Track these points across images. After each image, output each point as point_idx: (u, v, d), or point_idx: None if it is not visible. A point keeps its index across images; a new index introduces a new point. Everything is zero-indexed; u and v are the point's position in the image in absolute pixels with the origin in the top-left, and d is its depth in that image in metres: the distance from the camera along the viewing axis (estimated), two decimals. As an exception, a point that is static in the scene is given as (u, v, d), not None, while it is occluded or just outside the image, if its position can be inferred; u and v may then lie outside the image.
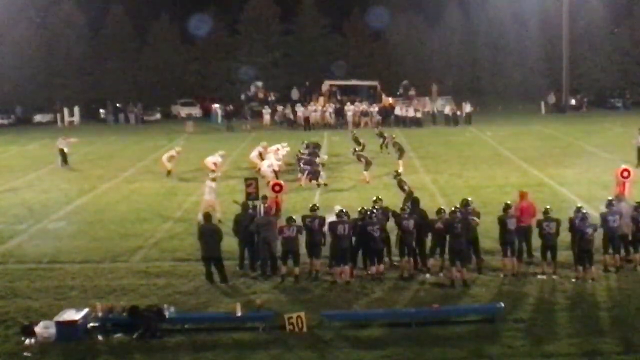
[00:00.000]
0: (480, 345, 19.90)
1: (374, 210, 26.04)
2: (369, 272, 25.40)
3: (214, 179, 35.51)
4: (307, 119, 74.56)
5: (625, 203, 27.06)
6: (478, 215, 26.71)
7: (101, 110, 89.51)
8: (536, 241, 26.13)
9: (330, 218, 25.99)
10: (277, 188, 28.11)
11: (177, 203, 38.47)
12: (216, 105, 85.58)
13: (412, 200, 27.43)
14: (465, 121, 74.64)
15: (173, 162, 47.10)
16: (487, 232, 27.40)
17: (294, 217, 26.21)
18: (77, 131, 71.43)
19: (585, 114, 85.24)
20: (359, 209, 26.62)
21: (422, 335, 20.68)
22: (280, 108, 79.09)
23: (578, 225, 25.01)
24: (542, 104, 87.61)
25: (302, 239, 25.96)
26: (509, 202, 26.81)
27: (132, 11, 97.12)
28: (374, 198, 27.48)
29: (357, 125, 73.80)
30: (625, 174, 28.69)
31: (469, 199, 27.25)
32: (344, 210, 26.20)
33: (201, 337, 20.99)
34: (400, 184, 33.03)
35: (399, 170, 39.09)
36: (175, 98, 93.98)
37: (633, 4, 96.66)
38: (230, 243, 27.04)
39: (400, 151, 46.51)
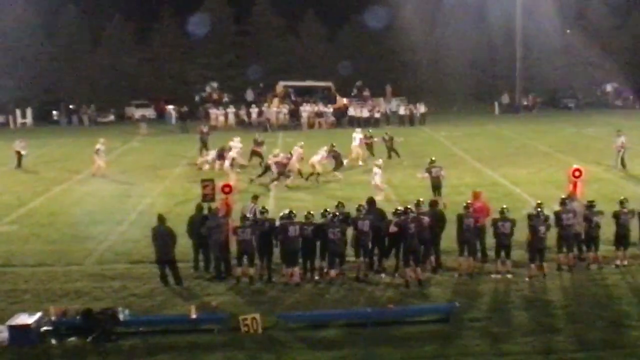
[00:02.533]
0: (436, 345, 19.96)
1: (337, 214, 26.01)
2: (329, 275, 25.37)
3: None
4: (268, 120, 74.59)
5: (577, 202, 27.28)
6: (441, 218, 26.77)
7: (54, 112, 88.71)
8: (491, 240, 26.26)
9: (279, 221, 26.01)
10: (226, 189, 27.98)
11: (131, 205, 38.20)
12: (170, 107, 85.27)
13: (368, 201, 27.42)
14: (420, 122, 75.06)
15: (101, 161, 47.26)
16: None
17: (247, 216, 26.15)
18: (29, 133, 70.81)
19: (538, 114, 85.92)
20: (321, 212, 26.58)
21: (378, 336, 20.70)
22: (230, 111, 78.55)
23: (533, 222, 25.20)
24: (496, 104, 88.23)
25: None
26: (469, 201, 26.92)
27: (85, 12, 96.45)
28: (337, 203, 27.36)
29: (311, 126, 73.93)
30: (577, 173, 28.90)
31: (421, 199, 27.31)
32: (311, 212, 26.17)
33: (156, 340, 20.88)
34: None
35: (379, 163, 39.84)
36: (129, 99, 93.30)
37: (585, 5, 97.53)
38: (184, 245, 26.92)
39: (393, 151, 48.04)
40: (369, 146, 50.21)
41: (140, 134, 70.71)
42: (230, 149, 46.35)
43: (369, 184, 38.37)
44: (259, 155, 47.82)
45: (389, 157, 49.14)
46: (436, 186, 36.37)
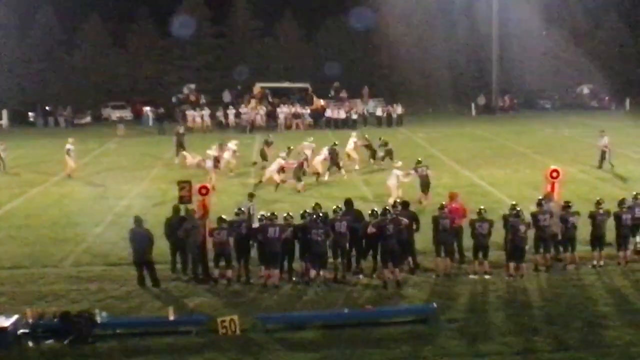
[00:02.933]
0: (414, 346, 19.99)
1: (320, 214, 25.99)
2: (310, 276, 25.35)
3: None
4: (252, 122, 74.67)
5: (554, 203, 27.36)
6: (415, 219, 26.81)
7: (30, 114, 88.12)
8: (468, 241, 26.32)
9: (255, 223, 25.94)
10: (203, 191, 27.90)
11: (108, 207, 38.04)
12: (147, 108, 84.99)
13: (345, 202, 27.42)
14: (397, 123, 75.21)
15: (72, 161, 47.18)
16: (419, 233, 27.34)
17: (224, 217, 26.10)
18: (5, 135, 70.35)
19: (515, 115, 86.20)
20: (301, 213, 26.57)
21: (356, 337, 20.73)
22: (205, 113, 78.17)
23: (512, 223, 25.29)
24: (473, 105, 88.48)
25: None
26: (443, 202, 26.99)
27: (61, 12, 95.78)
28: (314, 204, 27.33)
29: (288, 127, 73.94)
30: (555, 174, 28.97)
31: (398, 200, 27.34)
32: (290, 214, 26.16)
33: (134, 342, 20.83)
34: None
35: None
36: (106, 101, 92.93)
37: (561, 7, 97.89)
38: (162, 247, 26.85)
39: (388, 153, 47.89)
40: (369, 148, 50.07)
41: (118, 135, 70.42)
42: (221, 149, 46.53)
43: (346, 185, 38.49)
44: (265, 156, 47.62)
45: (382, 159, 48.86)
46: (425, 184, 37.09)
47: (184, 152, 49.58)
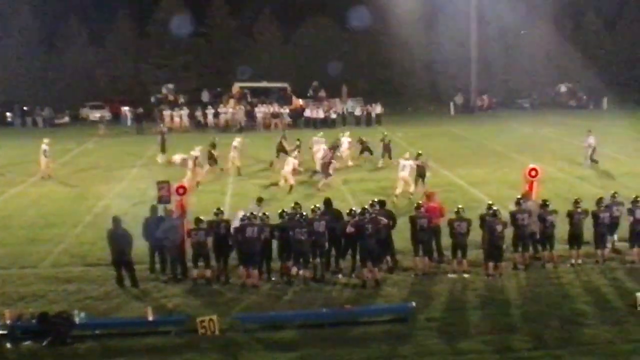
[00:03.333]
0: (393, 345, 20.01)
1: (303, 213, 25.96)
2: (292, 273, 25.33)
3: None
4: (240, 122, 74.62)
5: (532, 202, 27.45)
6: (391, 217, 26.84)
7: (8, 114, 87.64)
8: (447, 240, 26.37)
9: (235, 223, 25.88)
10: (181, 191, 27.83)
11: (87, 207, 37.89)
12: (126, 108, 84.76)
13: (324, 201, 27.43)
14: (376, 122, 75.31)
15: (47, 161, 46.99)
16: (398, 232, 27.42)
17: (202, 218, 26.04)
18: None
19: (494, 114, 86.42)
20: (279, 212, 26.54)
21: (335, 336, 20.74)
22: (184, 113, 77.93)
23: (489, 222, 25.37)
24: (451, 105, 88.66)
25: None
26: (420, 202, 27.03)
27: (40, 13, 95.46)
28: (293, 204, 27.29)
29: (267, 127, 73.91)
30: (533, 173, 29.05)
31: (376, 199, 27.36)
32: (266, 214, 26.13)
33: (113, 343, 20.76)
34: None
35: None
36: (84, 101, 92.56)
37: (539, 6, 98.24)
38: (141, 247, 26.76)
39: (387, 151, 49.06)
40: (364, 147, 50.37)
41: (99, 135, 70.17)
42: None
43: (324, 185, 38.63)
44: (285, 151, 47.67)
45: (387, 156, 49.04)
46: (421, 174, 38.42)
47: (165, 154, 49.61)
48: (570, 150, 51.42)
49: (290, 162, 41.61)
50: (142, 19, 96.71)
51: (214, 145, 47.07)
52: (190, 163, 42.86)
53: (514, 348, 19.69)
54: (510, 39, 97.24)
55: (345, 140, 49.59)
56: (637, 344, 19.77)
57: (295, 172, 41.86)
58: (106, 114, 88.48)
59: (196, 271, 25.47)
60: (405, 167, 37.90)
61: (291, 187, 40.06)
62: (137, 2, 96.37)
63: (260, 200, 28.82)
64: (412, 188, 37.36)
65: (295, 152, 44.24)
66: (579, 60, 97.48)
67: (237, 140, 48.19)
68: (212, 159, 45.73)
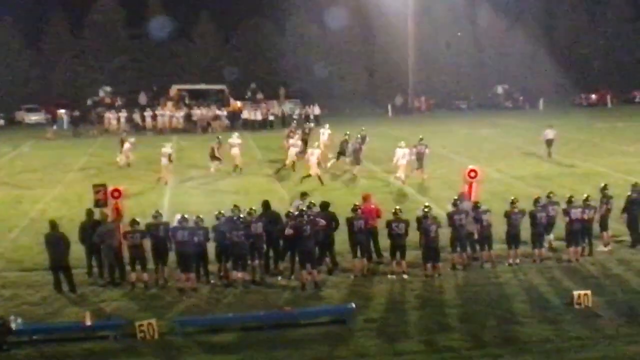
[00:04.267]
0: (332, 347, 20.01)
1: (240, 215, 25.85)
2: (233, 278, 25.23)
3: None
4: (209, 123, 74.48)
5: (469, 202, 27.63)
6: (334, 219, 26.82)
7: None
8: (386, 241, 26.42)
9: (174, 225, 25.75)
10: (116, 194, 27.59)
11: (23, 212, 37.43)
12: (62, 111, 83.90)
13: (263, 204, 27.34)
14: (315, 123, 75.30)
15: None
16: (338, 234, 27.39)
17: (137, 220, 25.82)
18: None
19: (432, 115, 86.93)
20: (215, 214, 26.39)
21: (275, 339, 20.68)
22: (122, 115, 77.22)
23: (424, 224, 25.48)
24: (389, 106, 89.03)
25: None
26: (357, 203, 27.04)
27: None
28: (232, 206, 27.11)
29: (205, 129, 73.62)
30: (473, 174, 29.22)
31: (312, 201, 27.37)
32: (200, 216, 25.99)
33: (51, 348, 20.50)
34: None
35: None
36: (19, 104, 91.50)
37: (475, 8, 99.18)
38: (78, 251, 26.49)
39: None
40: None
41: (46, 138, 69.37)
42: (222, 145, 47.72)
43: (262, 187, 38.60)
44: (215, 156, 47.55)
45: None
46: (420, 160, 42.66)
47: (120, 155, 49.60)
48: (507, 151, 51.87)
49: (314, 154, 42.91)
50: (77, 21, 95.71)
51: (219, 143, 47.77)
52: (164, 160, 43.07)
53: (453, 348, 19.77)
54: (447, 40, 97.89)
55: (326, 132, 50.88)
56: (574, 342, 19.96)
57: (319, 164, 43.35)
58: (42, 117, 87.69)
59: (134, 275, 25.25)
60: (403, 156, 40.86)
61: (319, 177, 42.04)
62: (72, 4, 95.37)
63: (304, 194, 28.80)
64: (417, 172, 41.93)
65: (317, 143, 46.74)
66: (515, 62, 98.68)
67: (235, 136, 49.05)
68: (214, 157, 46.74)
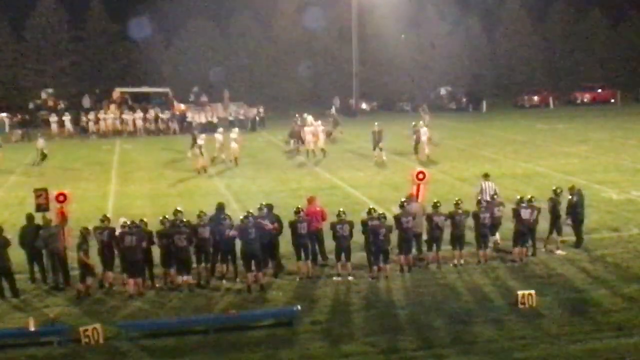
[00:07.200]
0: (278, 349, 19.99)
1: (183, 220, 25.70)
2: (177, 282, 25.11)
3: None
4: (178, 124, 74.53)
5: (417, 204, 27.75)
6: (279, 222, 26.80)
7: None
8: (331, 243, 26.43)
9: (119, 229, 25.55)
10: (61, 198, 27.33)
11: (-37, 216, 37.02)
12: (3, 114, 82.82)
13: (217, 206, 27.14)
14: (259, 125, 75.32)
15: None
16: (283, 236, 27.36)
17: (88, 227, 25.62)
18: None
19: (375, 117, 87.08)
20: (160, 219, 26.20)
21: (220, 342, 20.64)
22: (66, 118, 76.30)
23: (372, 226, 25.53)
24: (333, 108, 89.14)
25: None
26: (299, 206, 27.03)
27: None
28: (174, 210, 26.91)
29: (148, 132, 73.15)
30: (421, 176, 29.35)
31: (263, 203, 27.34)
32: (144, 220, 25.82)
33: (-7, 355, 20.30)
34: None
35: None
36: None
37: (418, 11, 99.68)
38: (20, 256, 26.20)
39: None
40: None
41: (13, 141, 68.42)
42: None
43: (207, 190, 38.51)
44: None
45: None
46: (418, 142, 48.90)
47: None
48: (451, 152, 52.17)
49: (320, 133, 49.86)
50: (18, 24, 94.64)
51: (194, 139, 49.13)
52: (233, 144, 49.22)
53: (399, 349, 19.83)
54: (390, 42, 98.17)
55: (310, 120, 54.45)
56: (519, 341, 20.10)
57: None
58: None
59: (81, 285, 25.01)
60: (425, 133, 46.98)
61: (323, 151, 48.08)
62: (12, 7, 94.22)
63: (486, 175, 30.60)
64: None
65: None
66: (459, 64, 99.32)
67: (235, 132, 50.67)
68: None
